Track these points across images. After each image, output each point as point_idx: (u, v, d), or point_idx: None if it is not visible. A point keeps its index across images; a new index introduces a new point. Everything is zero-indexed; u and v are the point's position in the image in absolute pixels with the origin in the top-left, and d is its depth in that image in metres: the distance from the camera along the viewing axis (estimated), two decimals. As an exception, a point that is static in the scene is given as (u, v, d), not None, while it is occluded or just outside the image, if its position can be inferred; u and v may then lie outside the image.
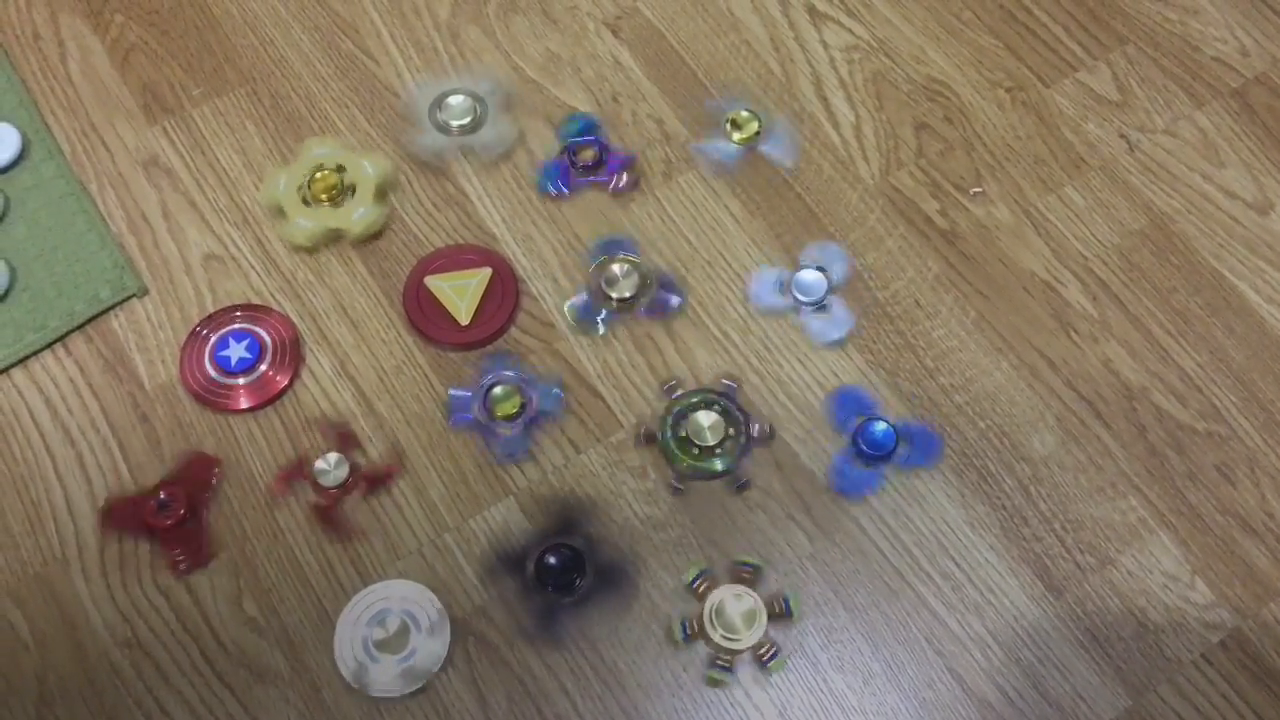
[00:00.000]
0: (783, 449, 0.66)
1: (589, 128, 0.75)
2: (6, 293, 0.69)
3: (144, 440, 0.66)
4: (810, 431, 0.66)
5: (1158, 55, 0.80)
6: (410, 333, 0.69)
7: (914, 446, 0.65)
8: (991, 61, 0.80)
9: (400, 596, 0.61)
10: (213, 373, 0.67)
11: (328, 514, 0.64)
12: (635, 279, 0.69)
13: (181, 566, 0.62)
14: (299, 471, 0.65)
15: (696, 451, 0.64)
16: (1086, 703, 0.60)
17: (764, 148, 0.75)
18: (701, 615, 0.60)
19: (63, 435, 0.66)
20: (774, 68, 0.79)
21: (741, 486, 0.64)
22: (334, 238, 0.72)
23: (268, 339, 0.68)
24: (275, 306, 0.70)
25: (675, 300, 0.70)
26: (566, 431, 0.66)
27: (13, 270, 0.70)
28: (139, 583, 0.62)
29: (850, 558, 0.63)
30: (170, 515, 0.62)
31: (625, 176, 0.73)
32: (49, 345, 0.68)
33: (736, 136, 0.75)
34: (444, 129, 0.75)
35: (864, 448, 0.64)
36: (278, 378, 0.67)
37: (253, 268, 0.71)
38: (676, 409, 0.65)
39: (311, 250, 0.72)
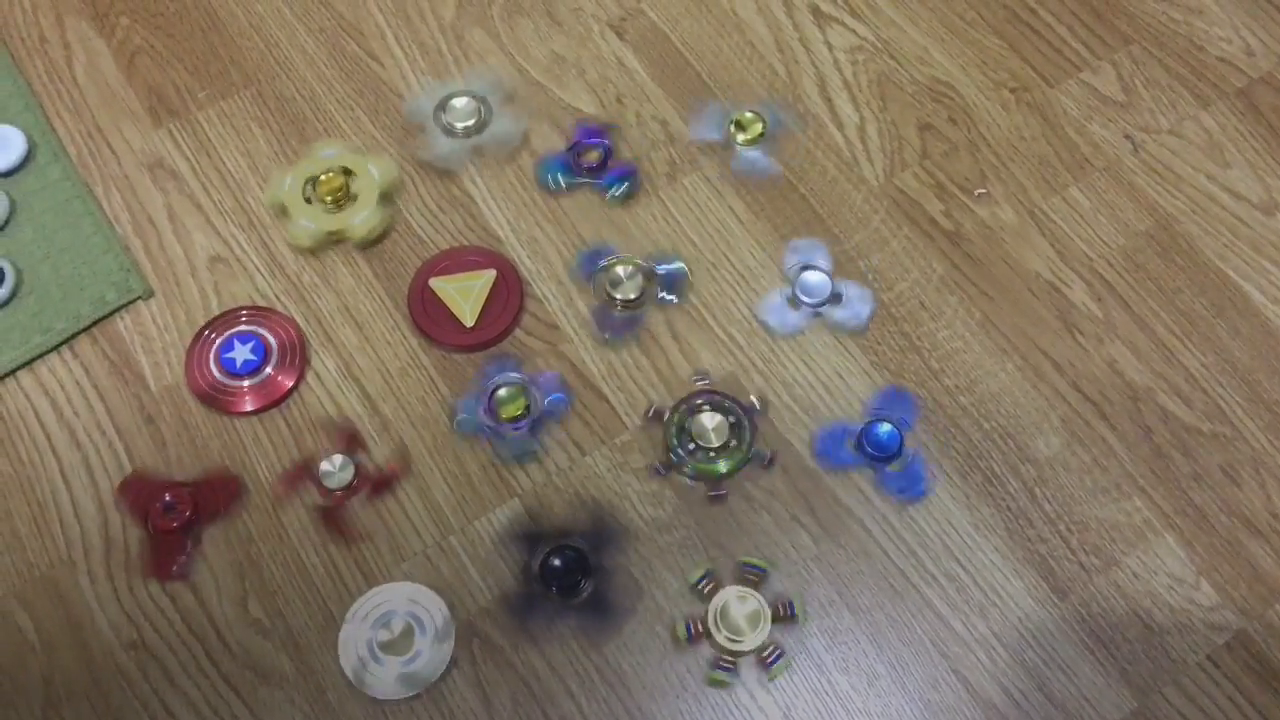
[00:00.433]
0: (786, 450, 0.66)
1: (601, 132, 0.75)
2: (12, 295, 0.69)
3: (150, 442, 0.66)
4: (813, 432, 0.67)
5: (1162, 55, 0.80)
6: (415, 335, 0.69)
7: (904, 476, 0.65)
8: (996, 62, 0.80)
9: (405, 598, 0.61)
10: (218, 375, 0.67)
11: (333, 516, 0.64)
12: (639, 280, 0.69)
13: (148, 570, 0.62)
14: (304, 473, 0.65)
15: (692, 447, 0.64)
16: (1091, 704, 0.60)
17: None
18: (706, 617, 0.60)
19: (69, 437, 0.66)
20: (778, 69, 0.79)
21: (716, 497, 0.64)
22: (337, 240, 0.72)
23: (273, 341, 0.68)
24: (280, 309, 0.70)
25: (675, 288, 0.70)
26: (571, 433, 0.66)
27: (19, 273, 0.70)
28: (145, 584, 0.62)
29: (855, 559, 0.63)
30: (173, 519, 0.62)
31: (623, 187, 0.73)
32: (55, 348, 0.68)
33: (741, 138, 0.75)
34: (449, 131, 0.75)
35: (868, 449, 0.64)
36: (283, 380, 0.67)
37: (258, 270, 0.71)
38: (691, 400, 0.66)
39: (315, 252, 0.72)
